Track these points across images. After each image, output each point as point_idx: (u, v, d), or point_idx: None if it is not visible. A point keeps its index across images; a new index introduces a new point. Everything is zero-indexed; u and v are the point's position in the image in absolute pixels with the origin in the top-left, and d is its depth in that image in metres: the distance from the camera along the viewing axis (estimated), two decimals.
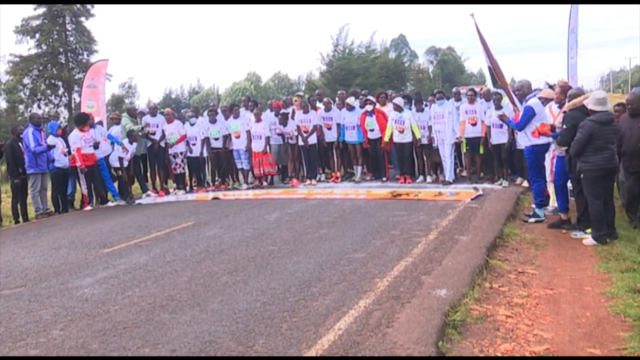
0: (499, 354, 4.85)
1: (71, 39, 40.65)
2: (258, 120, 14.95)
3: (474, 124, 13.25)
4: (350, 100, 15.46)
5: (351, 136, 15.02)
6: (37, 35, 40.09)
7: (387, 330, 5.19)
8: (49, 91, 40.18)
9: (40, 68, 40.60)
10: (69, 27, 40.68)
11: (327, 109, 15.16)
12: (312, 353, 4.73)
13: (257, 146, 14.84)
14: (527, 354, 4.85)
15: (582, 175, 8.33)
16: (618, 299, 5.93)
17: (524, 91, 10.10)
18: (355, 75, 47.01)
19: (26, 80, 40.12)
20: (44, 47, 40.05)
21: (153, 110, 15.72)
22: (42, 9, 39.76)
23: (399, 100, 14.38)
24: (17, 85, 39.10)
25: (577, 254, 7.74)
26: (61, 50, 40.35)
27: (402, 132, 13.98)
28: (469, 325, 5.43)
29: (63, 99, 40.64)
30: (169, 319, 5.69)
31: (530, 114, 9.40)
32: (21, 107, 39.67)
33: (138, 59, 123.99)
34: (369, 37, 55.44)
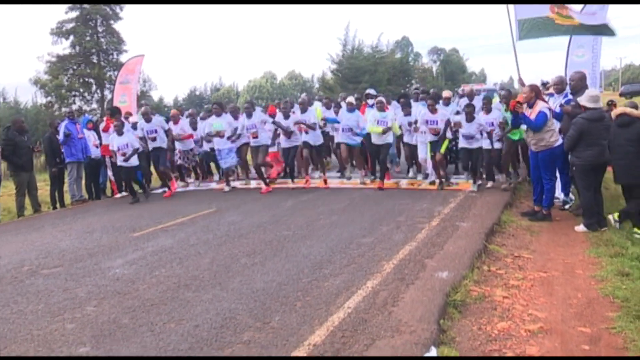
0: (496, 332, 4.84)
1: (102, 40, 40.89)
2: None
3: (436, 134, 11.47)
4: (351, 99, 13.68)
5: (349, 138, 12.92)
6: (71, 37, 40.35)
7: (392, 309, 5.19)
8: (82, 88, 40.43)
9: (75, 67, 40.89)
10: (99, 29, 40.85)
11: (303, 110, 13.02)
12: (323, 330, 4.72)
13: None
14: (523, 332, 4.84)
15: (574, 168, 8.30)
16: (607, 282, 5.90)
17: (562, 86, 9.37)
18: (364, 73, 46.81)
19: (63, 78, 40.41)
20: (78, 47, 40.29)
21: (146, 116, 13.31)
22: (74, 13, 39.94)
23: (381, 99, 12.50)
24: (60, 84, 39.41)
25: (569, 240, 7.70)
26: (93, 50, 40.63)
27: (384, 133, 11.86)
28: (469, 305, 5.42)
29: (95, 95, 40.87)
30: (193, 297, 5.72)
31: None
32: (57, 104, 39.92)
33: (166, 58, 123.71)
34: (376, 38, 55.01)
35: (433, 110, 11.49)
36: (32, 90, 44.02)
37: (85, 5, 39.56)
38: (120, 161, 12.28)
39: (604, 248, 7.07)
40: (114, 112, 13.40)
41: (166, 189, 13.54)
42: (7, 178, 15.18)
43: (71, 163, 12.88)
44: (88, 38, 40.65)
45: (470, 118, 10.89)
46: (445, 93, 14.21)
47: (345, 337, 4.60)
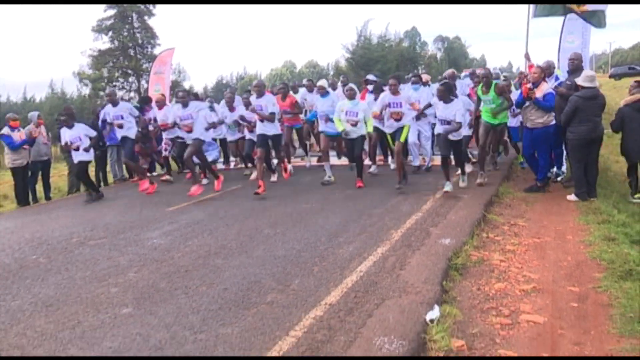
0: (493, 292, 4.85)
1: (137, 35, 40.98)
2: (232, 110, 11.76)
3: (398, 119, 9.19)
4: (323, 82, 11.35)
5: (328, 127, 10.55)
6: (110, 33, 40.50)
7: (400, 272, 5.21)
8: (121, 79, 40.68)
9: (114, 60, 41.04)
10: (135, 24, 40.91)
11: (258, 95, 9.74)
12: (338, 291, 4.75)
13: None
14: (517, 292, 4.84)
15: (568, 143, 8.23)
16: (595, 246, 5.87)
17: (550, 71, 9.34)
18: (376, 62, 46.45)
19: (104, 71, 40.68)
20: (116, 42, 40.44)
21: (110, 99, 11.79)
22: (112, 11, 40.06)
23: (351, 86, 10.05)
24: (100, 78, 39.69)
25: (561, 209, 7.65)
26: (130, 44, 40.75)
27: (354, 125, 9.47)
28: (469, 268, 5.42)
29: (133, 85, 41.05)
30: (222, 263, 5.77)
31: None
32: (101, 92, 40.15)
33: (196, 50, 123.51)
34: (384, 29, 54.37)
35: (395, 92, 9.19)
36: (75, 83, 44.28)
37: (122, 4, 39.62)
38: (73, 155, 10.51)
39: (592, 216, 7.02)
40: (145, 101, 13.31)
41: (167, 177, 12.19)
42: (57, 160, 15.33)
43: (111, 146, 12.90)
44: (125, 33, 40.74)
45: (444, 97, 8.43)
46: (425, 77, 12.01)
47: (358, 297, 4.63)
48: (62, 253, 6.62)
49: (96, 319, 4.48)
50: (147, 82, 19.76)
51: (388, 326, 4.08)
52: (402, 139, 9.26)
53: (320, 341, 3.89)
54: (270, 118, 9.56)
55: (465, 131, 9.75)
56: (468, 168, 9.95)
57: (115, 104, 11.41)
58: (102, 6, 39.91)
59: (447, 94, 8.45)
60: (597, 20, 9.31)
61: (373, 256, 5.69)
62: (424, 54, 60.79)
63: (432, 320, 4.19)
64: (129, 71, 40.66)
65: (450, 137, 8.52)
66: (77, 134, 10.26)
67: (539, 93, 8.43)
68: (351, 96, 9.60)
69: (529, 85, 8.42)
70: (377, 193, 8.91)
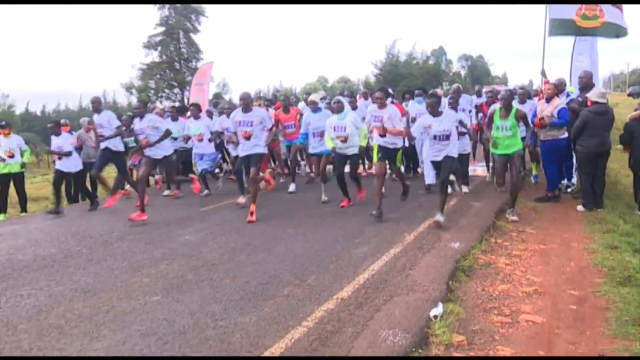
0: (497, 292, 4.84)
1: (183, 50, 41.69)
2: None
3: (382, 135, 7.55)
4: (315, 97, 9.99)
5: (320, 145, 9.29)
6: (159, 48, 41.30)
7: (410, 272, 5.24)
8: (167, 90, 41.45)
9: (162, 73, 41.80)
10: (182, 41, 41.65)
11: (245, 109, 8.07)
12: (350, 287, 4.80)
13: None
14: (520, 293, 4.82)
15: (577, 156, 8.14)
16: (598, 253, 5.80)
17: (562, 88, 9.16)
18: (403, 78, 46.37)
19: (151, 83, 41.49)
20: (164, 57, 41.24)
21: (94, 106, 9.92)
22: (161, 28, 40.89)
23: (339, 99, 8.69)
24: (146, 89, 40.50)
25: (569, 218, 7.56)
26: (176, 59, 41.48)
27: (344, 141, 8.17)
28: (475, 270, 5.42)
29: (177, 96, 41.76)
30: (245, 259, 5.87)
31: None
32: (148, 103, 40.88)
33: (235, 63, 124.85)
34: (411, 47, 54.26)
35: (380, 105, 7.91)
36: (122, 93, 45.25)
37: (170, 22, 40.42)
38: (58, 164, 10.06)
39: (597, 225, 6.93)
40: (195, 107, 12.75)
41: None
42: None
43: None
44: (172, 49, 41.49)
45: (433, 111, 7.05)
46: (439, 92, 10.47)
47: (368, 293, 4.68)
48: (103, 246, 6.80)
49: (128, 305, 4.62)
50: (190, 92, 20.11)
51: (394, 320, 4.12)
52: (397, 165, 8.27)
53: (329, 332, 3.95)
54: (270, 136, 8.60)
55: (464, 147, 9.19)
56: (465, 188, 9.32)
57: (98, 111, 9.76)
58: (153, 23, 40.92)
59: (437, 105, 7.12)
60: (615, 31, 9.43)
61: (385, 256, 5.72)
62: (448, 71, 60.50)
63: (435, 317, 4.22)
64: (175, 83, 41.39)
65: (443, 155, 7.07)
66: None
67: (551, 107, 8.38)
68: (339, 109, 8.30)
69: (542, 116, 8.42)
70: (393, 199, 8.88)
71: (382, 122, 7.56)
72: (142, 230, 7.62)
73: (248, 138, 7.99)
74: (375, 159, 7.85)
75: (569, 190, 9.11)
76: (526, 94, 9.86)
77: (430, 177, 9.24)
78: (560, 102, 8.46)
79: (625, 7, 9.96)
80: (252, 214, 7.82)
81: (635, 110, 8.43)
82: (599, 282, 5.00)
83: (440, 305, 4.38)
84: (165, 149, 8.66)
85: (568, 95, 8.96)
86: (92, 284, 5.23)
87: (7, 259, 6.34)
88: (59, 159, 10.01)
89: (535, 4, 11.09)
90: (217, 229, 7.39)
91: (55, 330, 4.15)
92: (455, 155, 7.18)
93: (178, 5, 40.29)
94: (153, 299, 4.74)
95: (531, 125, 7.94)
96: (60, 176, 10.07)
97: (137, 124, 8.64)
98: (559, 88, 8.95)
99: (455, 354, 3.73)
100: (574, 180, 9.21)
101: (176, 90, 42.10)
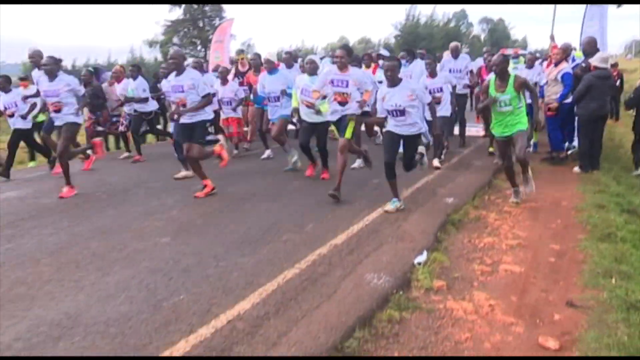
0: (482, 244, 4.98)
1: (206, 8, 41.41)
2: (224, 83, 9.36)
3: (343, 103, 6.45)
4: (270, 55, 8.79)
5: (276, 110, 8.14)
6: (183, 6, 41.09)
7: (402, 223, 5.40)
8: (190, 47, 41.40)
9: (185, 30, 41.69)
10: None
11: (178, 72, 6.59)
12: (344, 235, 4.98)
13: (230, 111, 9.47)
14: (503, 246, 4.95)
15: (577, 119, 8.12)
16: (585, 212, 5.88)
17: (567, 52, 8.77)
18: (422, 39, 45.56)
19: (175, 39, 41.42)
20: (187, 15, 41.06)
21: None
22: None
23: (312, 59, 7.57)
24: (169, 42, 40.46)
25: (564, 178, 7.61)
26: (199, 16, 41.25)
27: (309, 107, 7.13)
28: (465, 224, 5.57)
29: (200, 53, 41.69)
30: (250, 207, 6.08)
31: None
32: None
33: (259, 23, 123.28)
34: (431, 9, 53.05)
35: (342, 67, 6.40)
36: (146, 50, 45.01)
37: None
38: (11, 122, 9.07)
39: (590, 186, 6.98)
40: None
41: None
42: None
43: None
44: (196, 7, 41.23)
45: (390, 79, 5.71)
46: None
47: (360, 241, 4.87)
48: (122, 192, 7.06)
49: (140, 245, 4.88)
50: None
51: (380, 265, 4.31)
52: (347, 135, 6.45)
53: (319, 273, 4.16)
54: (207, 103, 6.59)
55: (445, 111, 8.22)
56: (436, 162, 8.10)
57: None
58: None
59: (396, 72, 5.73)
60: None
61: (381, 209, 5.87)
62: (468, 33, 59.18)
63: (419, 263, 4.40)
64: (197, 40, 41.29)
65: (405, 131, 5.81)
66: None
67: (556, 71, 8.37)
68: (311, 71, 7.17)
69: (552, 107, 8.39)
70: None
71: (349, 88, 6.42)
72: (159, 178, 7.86)
73: (183, 106, 6.51)
74: (337, 134, 6.69)
75: (569, 152, 9.12)
76: (534, 59, 9.61)
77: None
78: (566, 66, 8.40)
79: None
80: (205, 187, 6.73)
81: None
82: (581, 237, 5.10)
83: (425, 253, 4.56)
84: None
85: (574, 59, 8.87)
86: (108, 226, 5.51)
87: (34, 202, 6.65)
88: (10, 116, 8.96)
89: None
90: (229, 179, 7.55)
91: (73, 264, 4.43)
92: (422, 130, 5.89)
93: None
94: (162, 241, 4.99)
95: (536, 92, 6.87)
96: (16, 135, 8.99)
97: (46, 84, 6.76)
98: (566, 52, 8.86)
99: (434, 297, 3.92)
100: (575, 143, 9.19)
101: (199, 47, 41.98)
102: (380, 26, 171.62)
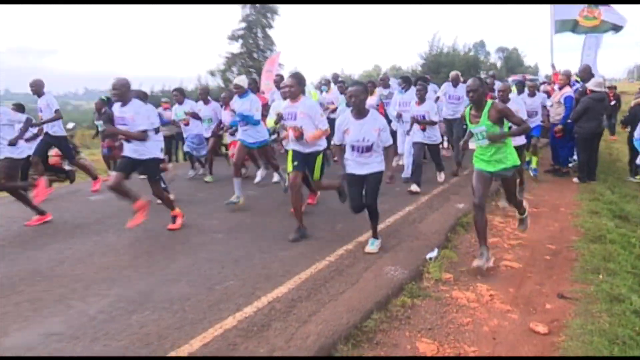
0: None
1: (260, 42, 42.22)
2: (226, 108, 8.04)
3: (298, 137, 4.97)
4: (239, 80, 6.74)
5: (247, 134, 6.46)
6: (240, 40, 42.06)
7: (418, 225, 5.45)
8: (246, 75, 42.28)
9: (242, 61, 42.58)
10: (259, 35, 42.16)
11: (122, 103, 5.21)
12: (368, 234, 4.93)
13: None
14: (505, 245, 4.96)
15: (576, 136, 7.96)
16: (580, 217, 5.80)
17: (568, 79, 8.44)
18: (444, 66, 45.09)
19: (234, 69, 42.40)
20: (244, 48, 41.98)
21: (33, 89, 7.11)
22: (243, 24, 41.54)
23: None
24: (228, 71, 41.45)
25: (564, 188, 7.47)
26: (254, 49, 42.10)
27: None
28: (472, 226, 5.53)
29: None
30: (289, 209, 6.18)
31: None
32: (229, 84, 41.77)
33: (304, 53, 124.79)
34: (453, 40, 52.38)
35: (291, 97, 5.01)
36: (210, 78, 46.20)
37: (250, 19, 40.95)
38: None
39: (586, 194, 6.85)
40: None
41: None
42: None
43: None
44: (251, 41, 42.10)
45: (355, 109, 4.47)
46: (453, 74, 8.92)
47: (382, 238, 4.91)
48: (186, 195, 7.29)
49: (199, 239, 5.09)
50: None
51: (397, 260, 4.38)
52: (315, 176, 5.28)
53: (345, 265, 4.27)
54: (139, 136, 5.12)
55: (434, 137, 7.39)
56: (415, 187, 6.94)
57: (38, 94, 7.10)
58: (237, 19, 41.60)
59: (361, 102, 4.42)
60: (610, 28, 9.39)
61: (401, 212, 5.93)
62: (485, 61, 58.15)
63: (430, 258, 4.45)
64: (252, 70, 42.13)
65: (368, 170, 4.54)
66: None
67: (559, 94, 8.25)
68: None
69: (557, 130, 8.19)
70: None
71: (297, 121, 4.98)
72: (216, 187, 8.06)
73: (127, 141, 5.24)
74: (289, 167, 5.20)
75: (570, 165, 8.93)
76: (535, 86, 8.60)
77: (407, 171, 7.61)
78: (568, 90, 8.26)
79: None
80: (174, 218, 5.58)
81: (635, 98, 8.27)
82: (575, 239, 5.05)
83: (436, 250, 4.60)
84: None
85: (574, 84, 8.73)
86: (114, 242, 5.42)
87: (116, 204, 6.93)
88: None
89: (543, 4, 10.83)
90: (274, 187, 7.67)
91: (145, 254, 4.67)
92: (383, 169, 4.56)
93: (257, 5, 40.71)
94: (218, 236, 5.18)
95: (523, 123, 4.33)
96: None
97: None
98: (569, 78, 8.73)
99: (442, 288, 3.97)
100: (575, 157, 9.00)
101: (254, 76, 42.81)
102: (409, 55, 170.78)
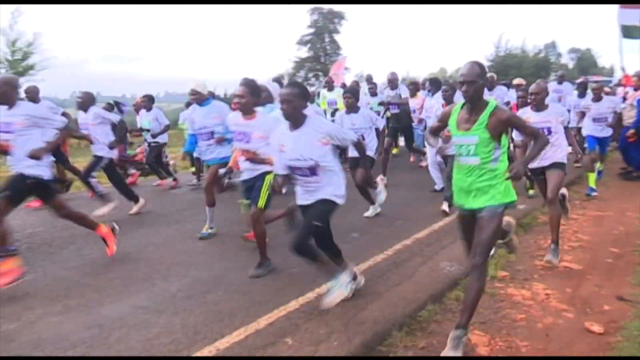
0: (546, 245, 4.81)
1: (327, 47, 42.74)
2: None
3: (251, 160, 4.03)
4: (199, 86, 5.04)
5: (210, 150, 5.20)
6: (309, 45, 42.80)
7: None
8: (313, 79, 42.91)
9: (310, 65, 43.34)
10: (326, 39, 42.69)
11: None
12: (409, 240, 4.92)
13: None
14: (566, 247, 4.81)
15: None
16: None
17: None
18: (511, 68, 43.31)
19: (301, 72, 43.24)
20: (312, 52, 42.69)
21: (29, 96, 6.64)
22: (311, 29, 42.28)
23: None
24: (296, 75, 42.32)
25: (632, 192, 7.06)
26: (321, 54, 42.70)
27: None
28: (533, 227, 5.47)
29: (322, 84, 43.01)
30: (352, 207, 6.27)
31: None
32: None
33: (371, 57, 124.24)
34: (521, 41, 50.04)
35: (244, 112, 4.01)
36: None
37: (318, 24, 41.57)
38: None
39: None
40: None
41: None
42: None
43: None
44: (318, 46, 42.72)
45: (289, 119, 3.24)
46: (517, 80, 8.67)
47: (439, 236, 4.97)
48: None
49: (268, 231, 5.32)
50: None
51: (453, 256, 4.41)
52: (260, 204, 4.04)
53: (402, 259, 4.37)
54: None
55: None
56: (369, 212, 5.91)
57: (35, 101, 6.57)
58: (305, 24, 42.41)
59: (295, 110, 3.20)
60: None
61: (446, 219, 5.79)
62: (557, 63, 55.11)
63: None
64: (320, 73, 42.74)
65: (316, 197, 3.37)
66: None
67: (632, 98, 7.84)
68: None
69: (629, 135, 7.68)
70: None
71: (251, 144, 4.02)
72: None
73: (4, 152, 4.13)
74: (242, 208, 4.37)
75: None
76: (601, 89, 7.51)
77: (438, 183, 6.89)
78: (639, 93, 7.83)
79: None
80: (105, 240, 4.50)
81: None
82: None
83: (494, 248, 4.55)
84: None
85: None
86: (192, 230, 5.51)
87: (192, 197, 7.44)
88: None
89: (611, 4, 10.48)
90: None
91: (219, 242, 5.02)
92: (329, 197, 3.34)
93: (325, 10, 41.23)
94: (283, 228, 5.39)
95: (539, 135, 2.99)
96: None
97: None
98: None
99: (497, 284, 3.96)
100: None
101: (321, 79, 43.40)
102: (476, 57, 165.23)
